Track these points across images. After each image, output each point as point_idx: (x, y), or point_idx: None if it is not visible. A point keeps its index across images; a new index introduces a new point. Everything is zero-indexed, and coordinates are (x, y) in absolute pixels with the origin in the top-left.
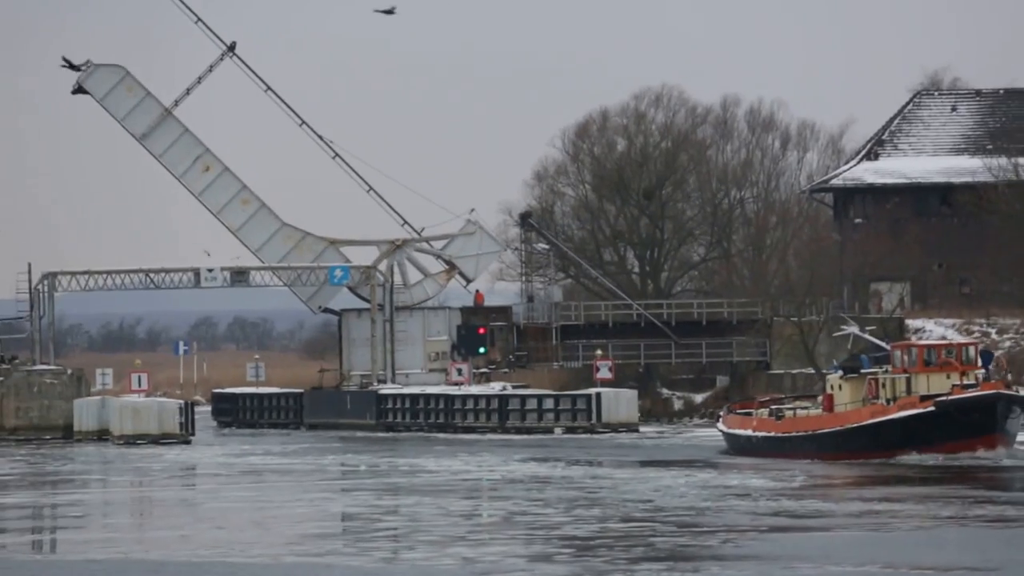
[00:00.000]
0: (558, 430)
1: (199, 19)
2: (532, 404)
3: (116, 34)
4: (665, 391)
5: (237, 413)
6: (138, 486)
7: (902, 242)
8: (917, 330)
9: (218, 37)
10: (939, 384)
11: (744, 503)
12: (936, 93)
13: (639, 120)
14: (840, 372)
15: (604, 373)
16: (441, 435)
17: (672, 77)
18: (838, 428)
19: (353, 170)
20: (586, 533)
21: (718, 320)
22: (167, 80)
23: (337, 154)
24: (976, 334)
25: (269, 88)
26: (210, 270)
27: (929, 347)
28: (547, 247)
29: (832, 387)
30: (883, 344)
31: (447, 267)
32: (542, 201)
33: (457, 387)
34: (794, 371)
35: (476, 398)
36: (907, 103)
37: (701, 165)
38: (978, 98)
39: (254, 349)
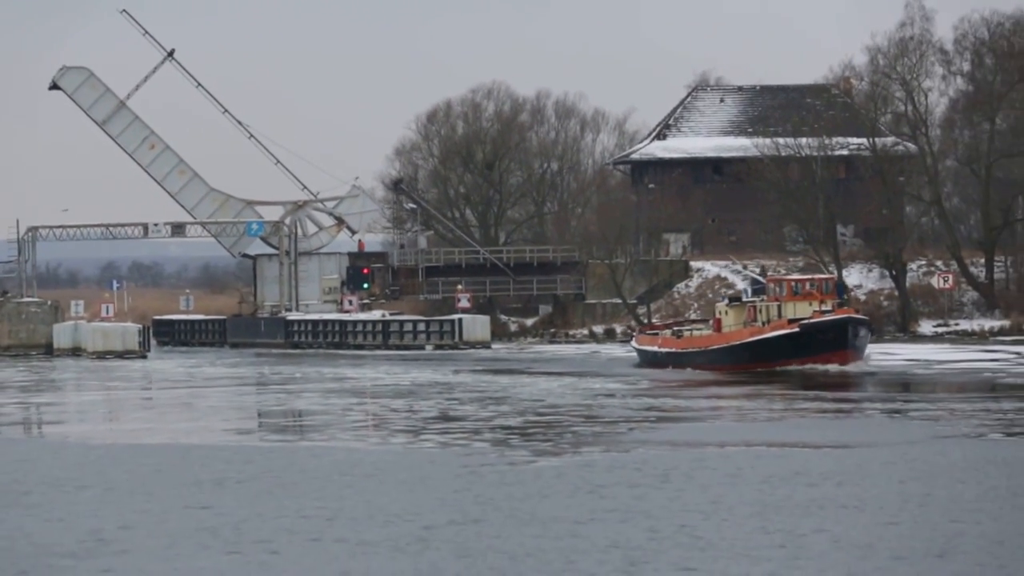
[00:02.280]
0: (428, 347)
1: (146, 31)
2: (408, 327)
3: (82, 42)
4: (503, 317)
5: (174, 335)
6: (138, 389)
7: (685, 203)
8: (699, 269)
9: (161, 45)
10: (803, 310)
11: (614, 401)
12: (709, 88)
13: (475, 108)
14: (727, 301)
15: (464, 303)
16: (338, 352)
17: (501, 73)
18: (724, 345)
19: (264, 147)
20: (517, 423)
21: (545, 262)
22: (122, 78)
23: (252, 135)
24: (743, 272)
25: (200, 84)
26: (155, 224)
27: (796, 281)
28: (414, 206)
29: (720, 312)
30: (761, 279)
31: (337, 222)
32: (401, 171)
33: (348, 314)
34: (604, 301)
35: (365, 323)
36: (687, 96)
37: (525, 143)
38: (741, 92)
39: (150, 287)
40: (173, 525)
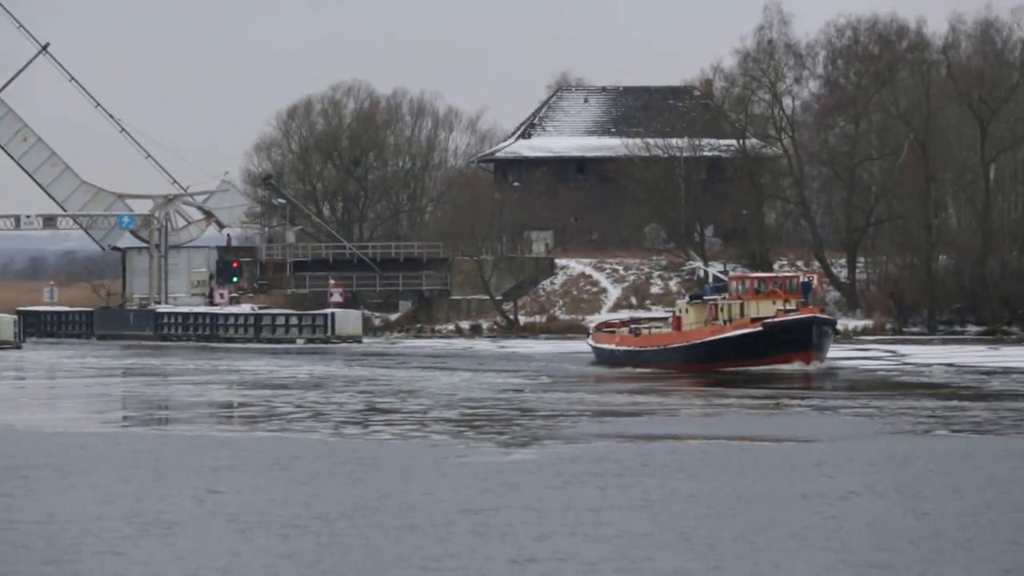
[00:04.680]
0: (300, 341)
1: (20, 24)
2: (280, 321)
3: None
4: (367, 312)
5: (40, 326)
6: (41, 377)
7: (549, 201)
8: (563, 267)
9: (35, 38)
10: (766, 309)
11: (527, 395)
12: (574, 88)
13: (335, 106)
14: (687, 298)
15: (336, 298)
16: (209, 345)
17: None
18: (684, 343)
19: (135, 141)
20: (456, 416)
21: (411, 258)
22: None
23: (123, 128)
24: (607, 270)
25: (73, 78)
26: (27, 216)
27: (759, 279)
28: (283, 201)
29: (680, 310)
30: (722, 276)
31: (206, 216)
32: (261, 167)
33: (218, 307)
34: (469, 297)
35: (236, 315)
36: (551, 96)
37: (384, 141)
38: (604, 93)
39: None
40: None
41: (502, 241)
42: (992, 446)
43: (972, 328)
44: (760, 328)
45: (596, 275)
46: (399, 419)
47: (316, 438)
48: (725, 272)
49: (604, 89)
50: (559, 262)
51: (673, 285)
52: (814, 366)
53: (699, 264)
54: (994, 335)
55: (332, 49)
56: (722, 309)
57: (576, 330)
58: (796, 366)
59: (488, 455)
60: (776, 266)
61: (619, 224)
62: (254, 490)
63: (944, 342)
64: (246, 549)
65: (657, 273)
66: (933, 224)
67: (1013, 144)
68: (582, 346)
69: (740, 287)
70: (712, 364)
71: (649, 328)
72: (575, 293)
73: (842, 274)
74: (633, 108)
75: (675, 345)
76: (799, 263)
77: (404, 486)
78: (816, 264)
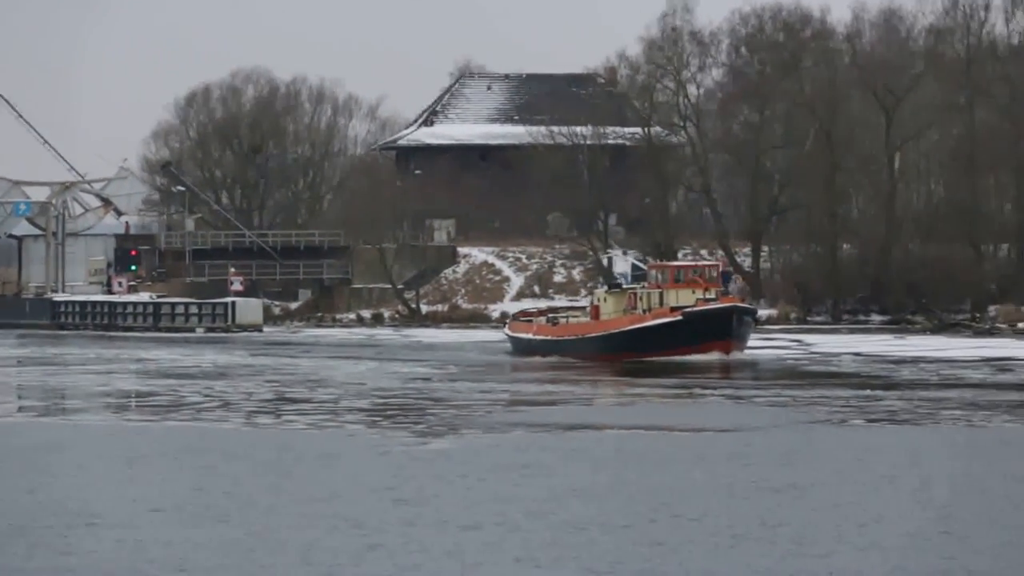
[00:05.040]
0: (199, 330)
1: None
2: (180, 310)
3: None
4: (266, 301)
5: None
6: None
7: (451, 189)
8: (466, 255)
9: None
10: (686, 298)
11: (436, 384)
12: (476, 76)
13: (235, 93)
14: (606, 287)
15: (237, 286)
16: (107, 334)
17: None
18: (602, 333)
19: (32, 127)
20: (368, 406)
21: (312, 246)
22: None
23: (20, 114)
24: (510, 259)
25: None
26: None
27: (679, 267)
28: (182, 188)
29: (599, 299)
30: (642, 265)
31: (104, 203)
32: (158, 154)
33: (116, 296)
34: (371, 286)
35: (135, 304)
36: (453, 83)
37: (285, 128)
38: (507, 80)
39: None
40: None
41: (404, 229)
42: (910, 435)
43: (876, 317)
44: (679, 317)
45: (499, 264)
46: (311, 409)
47: (229, 427)
48: (644, 260)
49: (507, 76)
50: (461, 251)
51: (576, 274)
52: (734, 356)
53: (617, 252)
54: (898, 324)
55: (231, 35)
56: (641, 298)
57: (479, 319)
58: (716, 356)
59: (407, 445)
60: (680, 255)
61: (522, 212)
62: (175, 480)
63: (850, 331)
64: (177, 539)
65: (560, 262)
66: (838, 213)
67: (917, 133)
68: (487, 335)
69: (660, 276)
70: (631, 354)
71: (567, 317)
72: (477, 282)
73: (746, 263)
74: (537, 95)
75: (593, 335)
76: (703, 252)
77: (328, 476)
78: (720, 253)
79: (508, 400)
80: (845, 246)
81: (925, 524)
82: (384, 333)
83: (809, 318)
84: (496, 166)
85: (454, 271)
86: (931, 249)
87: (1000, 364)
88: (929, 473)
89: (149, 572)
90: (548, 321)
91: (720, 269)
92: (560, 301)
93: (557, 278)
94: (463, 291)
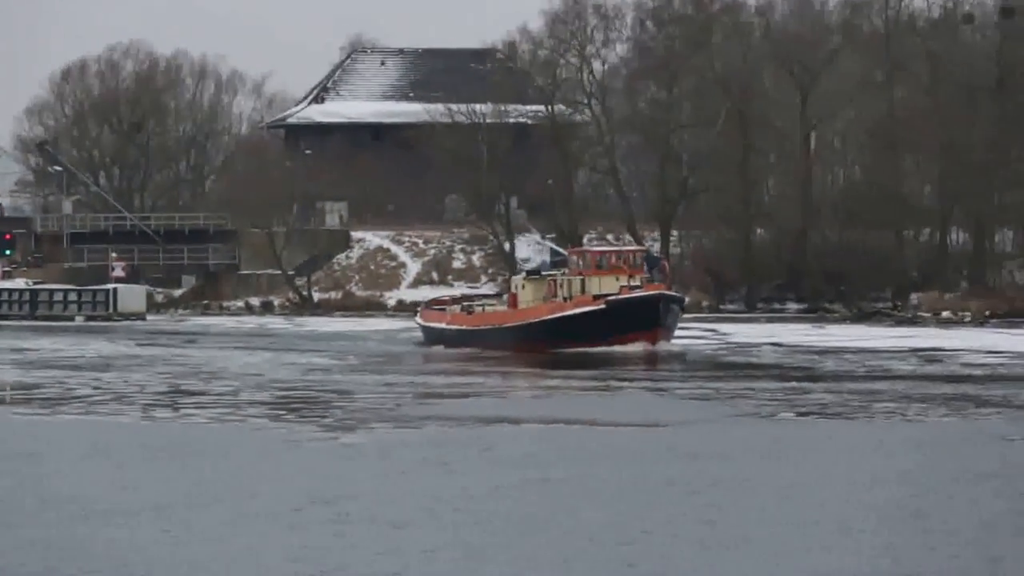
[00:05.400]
0: (79, 318)
1: None
2: (59, 297)
3: None
4: (149, 288)
5: None
6: None
7: (343, 170)
8: (359, 240)
9: None
10: (610, 285)
11: (338, 376)
12: (370, 51)
13: (113, 68)
14: (524, 274)
15: (119, 272)
16: None
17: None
18: (521, 322)
19: None
20: (269, 399)
21: (197, 230)
22: None
23: None
24: (406, 244)
25: None
26: None
27: (601, 253)
28: (59, 169)
29: (516, 287)
30: (561, 250)
31: None
32: (32, 132)
33: None
34: (260, 272)
35: (11, 291)
36: (345, 58)
37: (165, 105)
38: (402, 55)
39: None
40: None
41: (294, 212)
42: (845, 430)
43: (793, 306)
44: (602, 306)
45: (394, 249)
46: (209, 402)
47: (127, 421)
48: (563, 246)
49: (402, 51)
50: (355, 235)
51: (476, 260)
52: (661, 346)
53: (534, 237)
54: (816, 313)
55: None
56: (561, 285)
57: (374, 307)
58: (642, 346)
59: (317, 440)
60: (585, 240)
61: (419, 195)
62: (79, 477)
63: (767, 320)
64: (91, 538)
65: (460, 247)
66: (751, 196)
67: (834, 112)
68: (384, 324)
69: (581, 262)
70: (551, 344)
71: (483, 305)
72: (372, 268)
73: (655, 249)
74: (433, 72)
75: (511, 324)
76: (609, 237)
77: (240, 472)
78: (628, 238)
79: (418, 393)
80: (759, 231)
81: (882, 524)
82: (275, 322)
83: (722, 306)
84: (391, 146)
85: (347, 257)
86: (849, 234)
87: (927, 355)
88: (877, 470)
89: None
90: (463, 310)
91: (645, 255)
92: (460, 288)
93: (456, 264)
94: (357, 278)
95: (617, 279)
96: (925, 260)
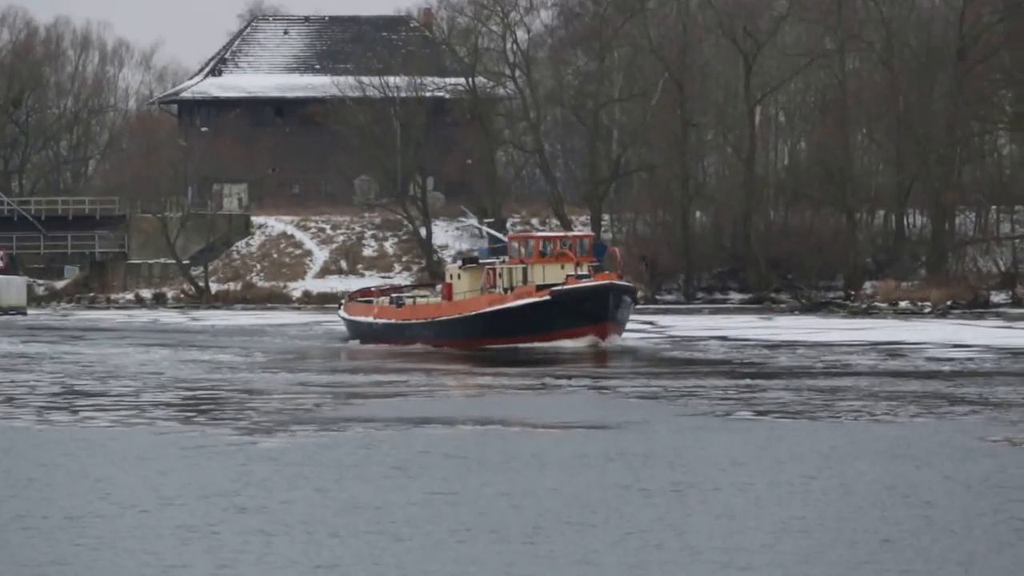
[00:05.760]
0: None
1: None
2: None
3: None
4: (29, 280)
5: None
6: None
7: (243, 149)
8: (261, 225)
9: None
10: (554, 274)
11: (247, 375)
12: (271, 19)
13: None
14: (460, 262)
15: None
16: None
17: None
18: (457, 316)
19: None
20: (174, 400)
21: (82, 215)
22: None
23: None
24: (312, 230)
25: None
26: None
27: (545, 239)
28: None
29: (451, 276)
30: (500, 236)
31: None
32: None
33: None
34: (151, 261)
35: None
36: (245, 26)
37: (47, 79)
38: (307, 23)
39: None
40: None
41: (189, 196)
42: (809, 431)
43: (736, 296)
44: (547, 297)
45: (299, 235)
46: (109, 404)
47: (22, 425)
48: (503, 231)
49: (307, 19)
50: (256, 220)
51: (389, 247)
52: (611, 341)
53: (472, 221)
54: (761, 304)
55: None
56: (501, 275)
57: (278, 299)
58: (590, 341)
59: (235, 444)
60: (508, 224)
61: (326, 176)
62: None
63: (710, 311)
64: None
65: (371, 233)
66: (690, 176)
67: (781, 84)
68: (289, 317)
69: (522, 249)
70: (490, 339)
71: (414, 297)
72: (275, 256)
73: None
74: (341, 41)
75: (446, 317)
76: (534, 221)
77: (152, 481)
78: (555, 222)
79: (339, 393)
80: (698, 214)
81: (864, 534)
82: (169, 316)
83: (659, 296)
84: (295, 122)
85: (248, 244)
86: (797, 217)
87: (888, 349)
88: (850, 476)
89: None
90: (392, 302)
91: (594, 241)
92: (373, 278)
93: (367, 252)
94: (259, 267)
95: (562, 268)
96: (880, 245)
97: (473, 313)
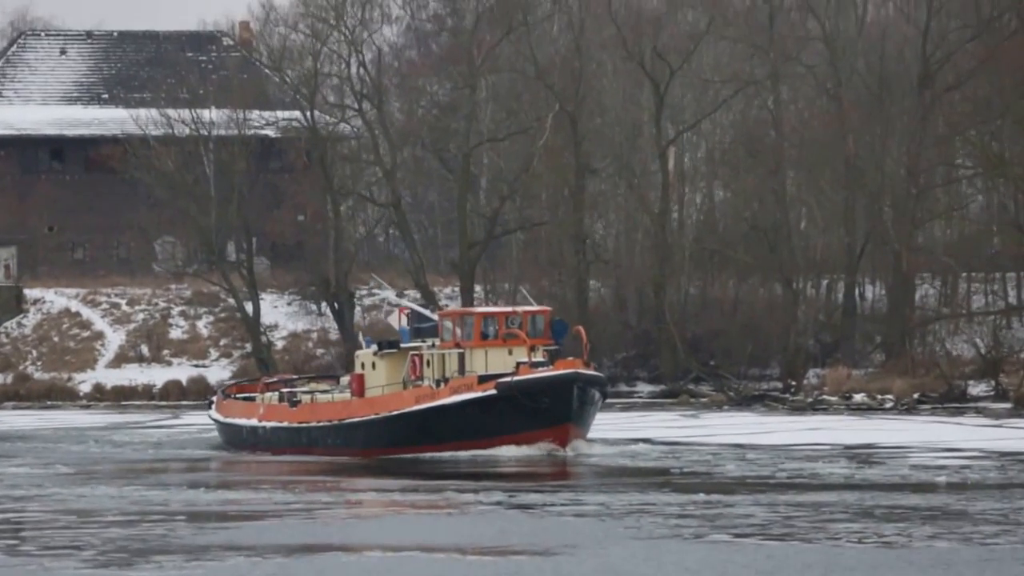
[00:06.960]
0: None
1: None
2: None
3: None
4: None
5: None
6: None
7: (12, 203)
8: (36, 300)
9: None
10: (501, 361)
11: (60, 491)
12: (43, 34)
13: None
14: (374, 346)
15: None
16: None
17: None
18: (372, 417)
19: None
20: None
21: None
22: None
23: None
24: (104, 305)
25: None
26: None
27: (487, 315)
28: None
29: (363, 365)
30: (427, 312)
31: None
32: None
33: None
34: None
35: None
36: (10, 44)
37: None
38: (90, 41)
39: None
40: None
41: None
42: (818, 557)
43: (645, 387)
44: (492, 391)
45: (87, 313)
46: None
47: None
48: (431, 307)
49: (90, 35)
50: (30, 294)
51: (203, 327)
52: (573, 448)
53: (389, 292)
54: (676, 397)
55: None
56: (430, 363)
57: (61, 395)
58: (546, 448)
59: None
60: (356, 297)
61: (119, 237)
62: None
63: (620, 407)
64: None
65: (179, 309)
66: (587, 236)
67: (701, 119)
68: (82, 418)
69: (458, 329)
70: (417, 447)
71: (312, 393)
72: (56, 340)
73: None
74: (135, 64)
75: (357, 419)
76: (390, 293)
77: None
78: (416, 294)
79: (189, 513)
80: (597, 284)
81: None
82: None
83: None
84: (78, 168)
85: (20, 324)
86: (721, 288)
87: (860, 454)
88: None
89: None
90: (282, 399)
91: (550, 317)
92: (184, 367)
93: (175, 333)
94: (35, 354)
95: (510, 353)
96: (825, 323)
97: (394, 413)
